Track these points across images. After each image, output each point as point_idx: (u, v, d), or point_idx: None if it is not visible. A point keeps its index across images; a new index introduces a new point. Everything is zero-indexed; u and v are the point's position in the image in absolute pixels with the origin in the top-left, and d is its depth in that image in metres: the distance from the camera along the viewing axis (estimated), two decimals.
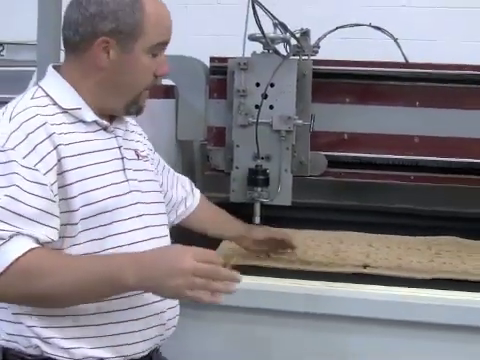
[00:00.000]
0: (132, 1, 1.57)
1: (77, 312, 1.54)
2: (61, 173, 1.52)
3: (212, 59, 2.80)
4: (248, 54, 2.55)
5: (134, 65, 1.60)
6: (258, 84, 2.58)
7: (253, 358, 2.05)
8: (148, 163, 1.78)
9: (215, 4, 4.04)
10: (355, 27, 3.04)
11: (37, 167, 1.48)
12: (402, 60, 2.97)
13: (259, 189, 2.52)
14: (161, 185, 1.92)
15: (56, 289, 1.45)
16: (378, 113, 2.71)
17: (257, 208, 2.53)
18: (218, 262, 1.46)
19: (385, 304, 1.96)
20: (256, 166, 2.53)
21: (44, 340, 1.54)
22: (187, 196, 2.10)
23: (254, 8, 2.25)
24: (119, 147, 1.66)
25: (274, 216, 2.59)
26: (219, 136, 2.74)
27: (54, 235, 1.50)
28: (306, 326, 2.01)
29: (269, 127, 2.56)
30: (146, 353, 1.65)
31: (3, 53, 4.06)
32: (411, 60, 2.94)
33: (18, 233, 1.44)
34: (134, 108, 1.67)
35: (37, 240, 1.47)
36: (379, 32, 3.05)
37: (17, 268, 1.42)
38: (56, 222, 1.51)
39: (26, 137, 1.50)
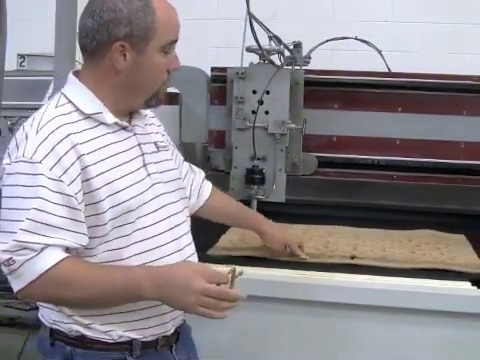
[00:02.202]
0: (143, 5, 1.51)
1: None
2: (86, 180, 1.48)
3: (213, 69, 2.79)
4: (246, 64, 2.54)
5: (149, 65, 1.55)
6: (255, 91, 2.57)
7: (255, 341, 2.04)
8: (168, 153, 1.72)
9: (216, 19, 4.02)
10: (343, 40, 3.04)
11: (62, 178, 1.44)
12: (385, 70, 2.96)
13: (256, 187, 2.51)
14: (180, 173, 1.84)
15: (80, 298, 1.47)
16: (363, 118, 2.71)
17: (254, 204, 2.52)
18: (226, 281, 1.47)
19: (370, 292, 1.95)
20: (253, 166, 2.53)
21: (84, 326, 1.53)
22: (193, 191, 1.98)
23: (251, 23, 2.24)
24: (138, 144, 1.60)
25: (269, 212, 2.58)
26: (219, 139, 2.73)
27: (83, 240, 1.48)
28: (295, 312, 2.00)
29: (265, 131, 2.55)
30: (173, 330, 1.63)
31: (24, 64, 4.05)
32: (393, 70, 2.93)
33: (48, 245, 1.42)
34: (153, 101, 1.62)
35: (66, 248, 1.46)
36: (365, 44, 3.04)
37: (47, 278, 1.42)
38: (83, 228, 1.48)
39: (52, 149, 1.45)
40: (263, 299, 1.98)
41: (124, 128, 1.59)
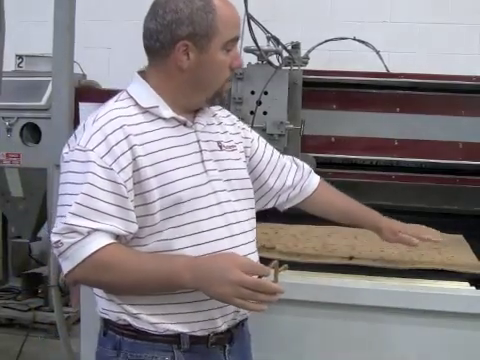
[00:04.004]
0: (204, 4, 1.55)
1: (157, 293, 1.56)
2: (137, 170, 1.52)
3: None
4: (244, 65, 2.54)
5: (212, 62, 1.58)
6: (253, 92, 2.57)
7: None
8: (235, 152, 1.72)
9: None
10: (341, 40, 3.05)
11: (112, 166, 1.49)
12: (384, 70, 2.97)
13: None
14: (253, 172, 1.83)
15: (121, 283, 1.51)
16: (362, 118, 2.71)
17: None
18: (266, 274, 1.46)
19: (368, 292, 1.95)
20: None
21: (132, 315, 1.56)
22: (296, 184, 1.95)
23: (249, 23, 2.24)
24: (198, 141, 1.62)
25: (268, 211, 2.58)
26: None
27: (131, 228, 1.52)
28: (298, 314, 2.00)
29: (263, 131, 2.54)
30: (225, 328, 1.62)
31: (22, 65, 4.05)
32: (391, 70, 2.94)
33: (95, 229, 1.47)
34: (217, 99, 1.66)
35: (113, 234, 1.49)
36: (363, 45, 3.05)
37: (91, 262, 1.47)
38: (132, 216, 1.51)
39: (105, 139, 1.51)
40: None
41: (184, 124, 1.61)
